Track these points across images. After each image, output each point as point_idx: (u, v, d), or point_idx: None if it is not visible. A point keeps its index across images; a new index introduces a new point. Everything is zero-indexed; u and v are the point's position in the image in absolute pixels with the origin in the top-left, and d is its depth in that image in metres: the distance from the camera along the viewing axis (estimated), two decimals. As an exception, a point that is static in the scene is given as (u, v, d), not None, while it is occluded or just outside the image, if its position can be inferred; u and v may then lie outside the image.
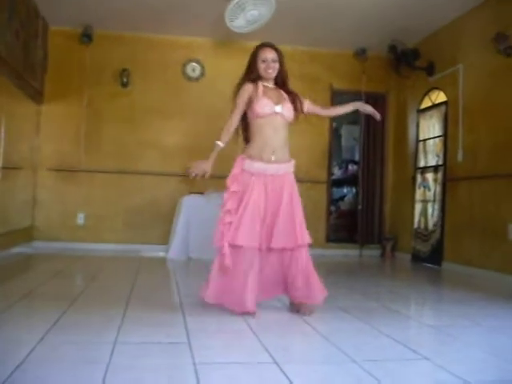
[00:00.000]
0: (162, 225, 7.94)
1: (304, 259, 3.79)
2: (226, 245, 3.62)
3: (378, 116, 4.17)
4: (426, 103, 7.87)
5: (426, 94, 7.84)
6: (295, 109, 3.89)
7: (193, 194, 7.53)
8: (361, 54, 8.41)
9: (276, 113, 3.75)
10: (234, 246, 3.62)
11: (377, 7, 6.86)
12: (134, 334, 3.06)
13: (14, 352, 2.61)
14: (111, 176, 8.02)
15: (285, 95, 3.87)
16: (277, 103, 3.77)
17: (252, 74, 3.83)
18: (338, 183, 10.15)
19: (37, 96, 7.58)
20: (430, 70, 7.62)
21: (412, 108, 8.25)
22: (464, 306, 4.39)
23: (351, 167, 10.12)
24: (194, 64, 8.30)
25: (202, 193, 7.53)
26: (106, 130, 8.05)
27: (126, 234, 7.99)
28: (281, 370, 2.50)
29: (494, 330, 3.55)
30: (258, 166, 3.72)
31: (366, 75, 8.61)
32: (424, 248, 7.47)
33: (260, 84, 3.82)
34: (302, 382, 2.36)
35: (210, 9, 6.94)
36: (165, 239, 7.67)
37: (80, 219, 7.93)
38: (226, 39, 8.05)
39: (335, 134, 9.79)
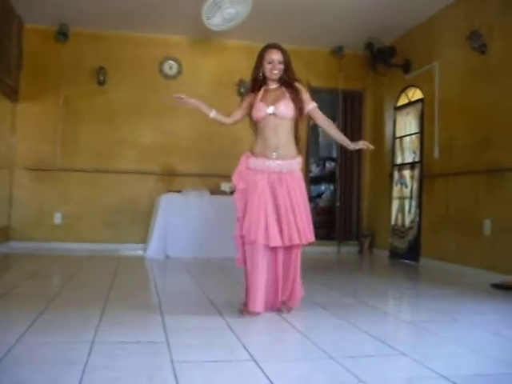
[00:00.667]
0: (140, 224, 7.91)
1: (299, 259, 3.85)
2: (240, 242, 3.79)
3: (371, 147, 4.42)
4: (403, 100, 7.93)
5: (403, 91, 7.90)
6: (296, 106, 3.89)
7: (171, 193, 7.50)
8: (338, 51, 8.44)
9: (269, 114, 3.79)
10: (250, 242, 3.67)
11: (353, 5, 6.89)
12: (112, 334, 3.04)
13: (-10, 353, 2.59)
14: (88, 175, 7.97)
15: (287, 94, 3.87)
16: (271, 104, 3.81)
17: (259, 74, 3.90)
18: (316, 180, 10.17)
19: (12, 94, 7.50)
20: (406, 67, 7.67)
21: (389, 105, 8.30)
22: (441, 302, 4.43)
23: (329, 164, 10.14)
24: (171, 62, 8.27)
25: (179, 191, 7.51)
26: (82, 128, 7.99)
27: (104, 233, 7.94)
28: (259, 367, 2.50)
29: (470, 325, 3.59)
30: (261, 162, 3.76)
31: (343, 73, 8.64)
32: (401, 244, 7.53)
33: (262, 89, 3.90)
34: (280, 379, 2.37)
35: (187, 7, 6.92)
36: (143, 238, 7.64)
37: (57, 219, 7.87)
38: (204, 37, 8.04)
39: (313, 132, 9.81)
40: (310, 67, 8.51)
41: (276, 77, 3.86)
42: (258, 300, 3.61)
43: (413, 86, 7.65)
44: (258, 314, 3.60)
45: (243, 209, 3.75)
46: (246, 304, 3.69)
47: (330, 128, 4.23)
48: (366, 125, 8.92)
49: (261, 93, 3.87)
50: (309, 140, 8.76)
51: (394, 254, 7.74)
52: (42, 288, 4.71)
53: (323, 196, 10.21)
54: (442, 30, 6.91)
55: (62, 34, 7.70)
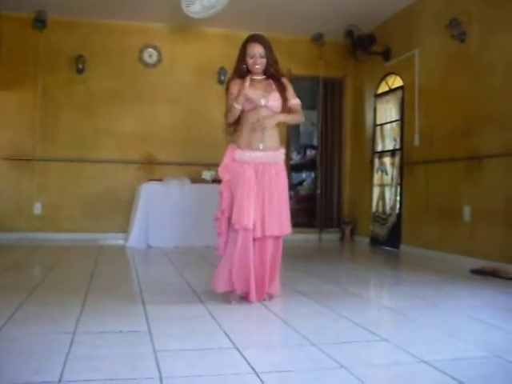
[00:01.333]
0: (121, 213, 7.87)
1: (281, 249, 3.87)
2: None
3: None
4: (383, 88, 7.95)
5: (383, 78, 7.92)
6: (283, 100, 3.89)
7: (152, 181, 7.47)
8: (318, 39, 8.43)
9: (261, 105, 3.77)
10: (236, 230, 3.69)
11: (333, -8, 6.89)
12: (94, 324, 3.03)
13: (-30, 345, 2.57)
14: (68, 164, 7.90)
15: (273, 85, 3.87)
16: (263, 96, 3.79)
17: (241, 67, 3.87)
18: (297, 168, 10.19)
19: (-11, 83, 7.40)
20: (386, 54, 7.69)
21: (369, 93, 8.32)
22: (421, 288, 4.48)
23: (309, 152, 10.16)
24: (150, 50, 8.21)
25: (160, 180, 7.48)
26: (61, 117, 7.92)
27: (85, 223, 7.90)
28: (241, 354, 2.51)
29: (450, 310, 3.63)
30: (248, 154, 3.74)
31: (324, 60, 8.63)
32: (382, 231, 7.58)
33: (248, 78, 3.81)
34: (262, 366, 2.38)
35: (166, -6, 6.87)
36: (124, 227, 7.61)
37: (37, 209, 7.80)
38: (183, 25, 7.98)
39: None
40: (290, 55, 8.48)
41: (259, 71, 3.84)
42: (258, 290, 3.68)
43: (393, 73, 7.68)
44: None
45: (229, 199, 3.74)
46: (246, 294, 3.72)
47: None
48: (346, 112, 8.93)
49: (247, 83, 3.79)
50: (289, 128, 8.75)
51: (375, 241, 7.79)
52: (23, 279, 4.68)
53: (304, 184, 10.24)
54: (422, 17, 6.93)
55: (40, 22, 7.60)
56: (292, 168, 9.29)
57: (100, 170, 8.00)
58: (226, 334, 2.85)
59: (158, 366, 2.33)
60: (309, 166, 9.97)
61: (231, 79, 3.93)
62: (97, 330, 2.92)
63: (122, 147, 8.07)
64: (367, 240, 8.06)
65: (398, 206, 7.30)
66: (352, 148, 8.89)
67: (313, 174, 9.82)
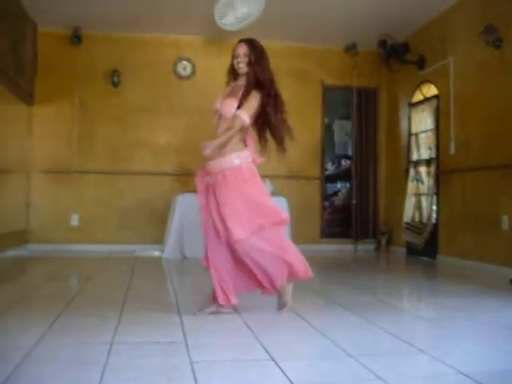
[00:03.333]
0: (156, 224, 7.93)
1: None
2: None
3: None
4: (418, 97, 7.89)
5: (417, 87, 7.85)
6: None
7: (187, 193, 7.50)
8: (351, 48, 8.42)
9: (215, 110, 3.77)
10: None
11: (366, 2, 6.87)
12: (131, 334, 3.05)
13: (11, 355, 2.60)
14: (104, 176, 8.01)
15: (240, 92, 3.71)
16: (222, 99, 3.77)
17: (232, 70, 3.88)
18: (332, 178, 10.16)
19: (28, 98, 7.55)
20: (420, 63, 7.63)
21: (403, 102, 8.26)
22: (459, 299, 4.41)
23: (344, 162, 10.13)
24: (184, 62, 8.29)
25: (195, 191, 7.49)
26: (97, 130, 8.04)
27: (121, 235, 7.98)
28: (278, 366, 2.50)
29: (488, 322, 3.57)
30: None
31: (357, 70, 8.61)
32: (418, 241, 7.49)
33: (232, 84, 3.85)
34: (299, 378, 2.36)
35: (200, 6, 6.93)
36: (159, 239, 7.66)
37: (74, 221, 7.91)
38: (217, 37, 8.04)
39: (327, 130, 9.80)
40: (323, 65, 8.51)
41: (243, 71, 3.74)
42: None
43: (427, 82, 7.61)
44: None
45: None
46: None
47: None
48: (380, 122, 8.88)
49: (229, 87, 3.86)
50: (324, 138, 8.73)
51: (411, 251, 7.70)
52: (61, 289, 4.73)
53: (339, 194, 10.20)
54: (456, 24, 6.86)
55: (77, 37, 7.76)
56: (327, 178, 9.27)
57: (135, 182, 8.08)
58: (263, 346, 2.84)
59: (194, 377, 2.33)
60: (344, 176, 9.93)
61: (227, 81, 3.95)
62: (134, 340, 2.94)
63: (157, 159, 8.15)
64: (403, 250, 7.98)
65: (434, 216, 7.21)
66: (387, 157, 8.83)
67: (348, 184, 9.78)
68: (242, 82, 3.79)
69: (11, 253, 6.86)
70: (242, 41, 3.80)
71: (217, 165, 3.70)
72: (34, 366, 2.47)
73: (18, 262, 6.63)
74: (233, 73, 3.87)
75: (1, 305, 3.80)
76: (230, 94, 3.74)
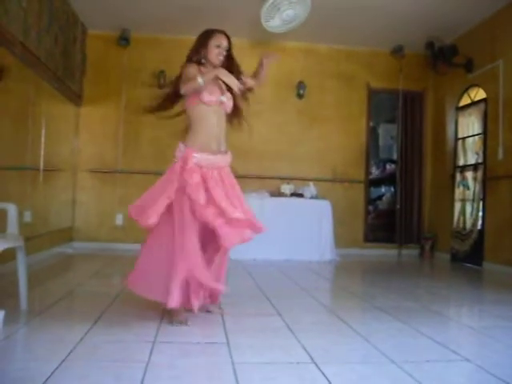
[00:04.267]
0: (199, 225, 7.95)
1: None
2: None
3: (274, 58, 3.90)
4: (465, 100, 7.75)
5: (465, 91, 7.72)
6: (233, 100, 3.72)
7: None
8: (398, 51, 8.33)
9: (221, 102, 3.58)
10: None
11: (413, 4, 6.79)
12: (173, 334, 3.08)
13: (56, 351, 2.65)
14: (149, 177, 8.06)
15: (224, 86, 3.65)
16: (221, 93, 3.61)
17: (198, 56, 3.67)
18: (376, 183, 10.07)
19: (76, 99, 7.69)
20: (468, 66, 7.49)
21: (450, 106, 8.13)
22: (505, 307, 4.31)
23: (389, 166, 10.03)
24: (230, 65, 8.31)
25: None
26: (143, 131, 8.13)
27: (164, 235, 8.02)
28: (319, 369, 2.49)
29: (537, 331, 3.48)
30: (208, 157, 3.52)
31: (403, 73, 8.52)
32: (463, 247, 7.36)
33: (202, 69, 3.60)
34: (340, 382, 2.35)
35: (246, 9, 6.96)
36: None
37: (118, 220, 8.02)
38: (263, 39, 8.05)
39: (372, 133, 9.71)
40: (369, 68, 8.45)
41: (219, 64, 3.61)
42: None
43: (476, 85, 7.48)
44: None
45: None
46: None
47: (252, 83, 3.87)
48: (427, 126, 8.76)
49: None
50: (368, 142, 8.66)
51: (456, 258, 7.57)
52: (104, 288, 4.79)
53: (383, 198, 10.10)
54: (506, 26, 6.72)
55: (124, 39, 7.88)
56: (371, 182, 9.19)
57: (179, 183, 8.12)
58: (305, 349, 2.83)
59: (236, 378, 2.34)
60: (388, 180, 9.84)
61: (188, 63, 3.68)
62: (176, 340, 2.96)
63: (201, 160, 8.18)
64: (448, 256, 7.84)
65: (480, 222, 7.08)
66: (432, 162, 8.70)
67: (392, 189, 9.68)
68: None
69: (57, 250, 6.98)
70: (222, 33, 3.68)
71: (225, 160, 3.69)
72: (77, 361, 2.51)
73: (64, 260, 6.74)
74: (198, 55, 3.68)
75: (47, 301, 3.87)
76: (221, 88, 3.64)
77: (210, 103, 3.53)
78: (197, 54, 3.69)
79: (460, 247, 7.43)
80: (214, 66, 3.61)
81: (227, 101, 3.63)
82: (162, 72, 8.05)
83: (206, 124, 3.55)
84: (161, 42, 8.20)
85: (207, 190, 3.40)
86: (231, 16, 7.34)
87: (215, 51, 3.62)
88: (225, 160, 3.66)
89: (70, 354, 2.60)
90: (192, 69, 3.55)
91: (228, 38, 3.69)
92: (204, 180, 3.44)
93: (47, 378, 2.25)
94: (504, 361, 2.76)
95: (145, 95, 8.11)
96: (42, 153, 6.30)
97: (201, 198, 3.33)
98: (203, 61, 3.67)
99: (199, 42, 3.71)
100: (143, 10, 7.27)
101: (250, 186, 7.92)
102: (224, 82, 3.53)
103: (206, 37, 3.67)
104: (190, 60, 3.71)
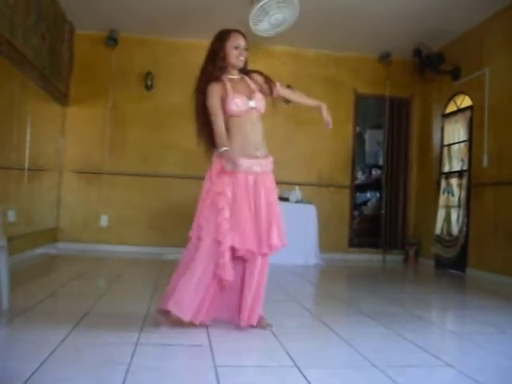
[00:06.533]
0: (185, 227, 7.86)
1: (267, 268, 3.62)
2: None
3: (329, 125, 3.93)
4: (451, 108, 7.80)
5: (451, 98, 7.77)
6: (264, 94, 3.56)
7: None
8: (385, 58, 8.36)
9: (251, 108, 3.40)
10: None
11: (401, 11, 6.81)
12: (156, 336, 3.06)
13: (37, 351, 2.63)
14: (135, 178, 8.06)
15: (252, 85, 3.52)
16: (249, 97, 3.41)
17: (219, 61, 3.44)
18: (362, 188, 10.08)
19: (62, 98, 7.65)
20: (455, 74, 7.54)
21: (437, 112, 8.17)
22: (488, 313, 4.33)
23: (375, 172, 10.06)
24: (217, 67, 8.30)
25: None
26: (129, 132, 8.10)
27: (149, 237, 8.01)
28: (301, 373, 2.48)
29: (518, 337, 3.50)
30: (244, 163, 3.32)
31: (391, 79, 8.55)
32: (447, 254, 7.39)
33: (226, 79, 3.44)
34: (323, 386, 2.35)
35: (234, 12, 6.95)
36: (188, 242, 7.65)
37: (103, 221, 7.98)
38: (250, 42, 7.97)
39: (359, 139, 9.74)
40: (356, 74, 8.48)
41: (242, 64, 3.47)
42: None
43: (462, 92, 7.52)
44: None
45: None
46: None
47: (301, 98, 3.87)
48: (413, 132, 8.79)
49: (228, 85, 3.42)
50: (355, 147, 8.69)
51: (440, 264, 7.60)
52: (88, 289, 4.77)
53: (368, 204, 10.13)
54: (493, 35, 6.77)
55: (112, 40, 7.84)
56: (357, 187, 9.20)
57: (166, 185, 8.11)
58: (287, 353, 2.83)
59: (218, 380, 2.32)
60: (374, 185, 9.86)
61: (208, 84, 3.46)
62: (159, 342, 2.94)
63: (188, 162, 8.15)
64: (432, 262, 7.88)
65: (464, 229, 7.11)
66: (418, 168, 8.74)
67: (378, 194, 9.70)
68: (236, 75, 3.52)
69: (41, 251, 6.93)
70: (237, 31, 3.50)
71: (265, 165, 3.48)
72: (58, 363, 2.49)
73: (48, 260, 6.69)
74: (219, 60, 3.45)
75: (29, 302, 3.83)
76: (250, 91, 3.48)
77: (240, 114, 3.38)
78: (216, 57, 3.46)
79: (443, 253, 7.46)
80: (233, 71, 3.49)
81: (257, 103, 3.43)
82: (149, 73, 8.04)
83: (240, 133, 3.40)
84: (148, 43, 8.18)
85: (234, 201, 3.32)
86: (218, 18, 7.31)
87: (235, 53, 3.42)
88: (262, 165, 3.45)
89: (50, 355, 2.58)
90: (214, 99, 3.44)
91: (244, 36, 3.50)
92: (232, 184, 3.33)
93: (27, 379, 2.22)
94: (486, 367, 2.77)
95: (131, 96, 8.13)
96: (28, 152, 6.25)
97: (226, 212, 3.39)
98: (222, 66, 3.46)
99: (216, 45, 3.48)
100: (131, 11, 7.24)
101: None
102: (253, 81, 3.50)
103: (221, 39, 3.46)
104: (206, 70, 3.53)
